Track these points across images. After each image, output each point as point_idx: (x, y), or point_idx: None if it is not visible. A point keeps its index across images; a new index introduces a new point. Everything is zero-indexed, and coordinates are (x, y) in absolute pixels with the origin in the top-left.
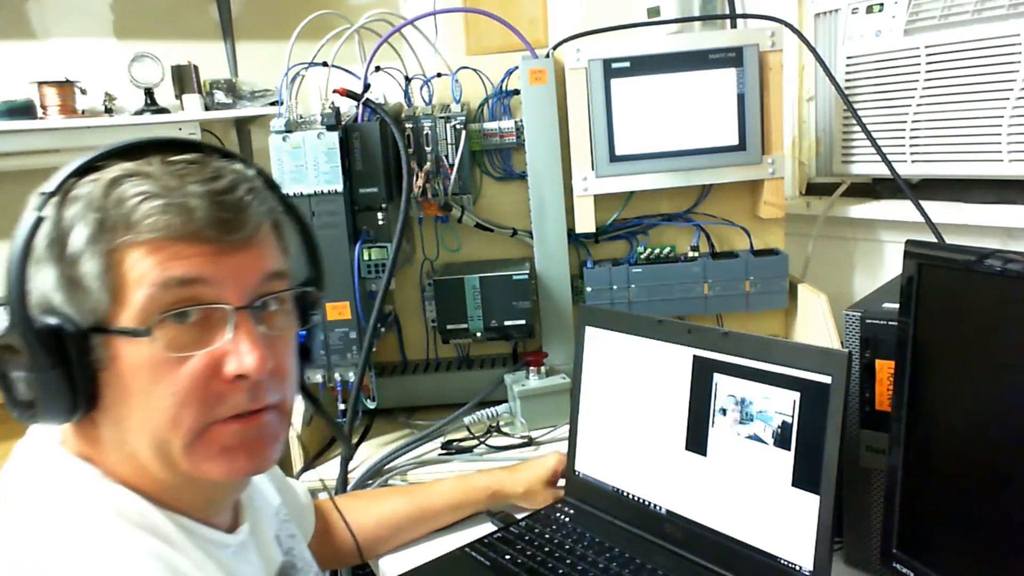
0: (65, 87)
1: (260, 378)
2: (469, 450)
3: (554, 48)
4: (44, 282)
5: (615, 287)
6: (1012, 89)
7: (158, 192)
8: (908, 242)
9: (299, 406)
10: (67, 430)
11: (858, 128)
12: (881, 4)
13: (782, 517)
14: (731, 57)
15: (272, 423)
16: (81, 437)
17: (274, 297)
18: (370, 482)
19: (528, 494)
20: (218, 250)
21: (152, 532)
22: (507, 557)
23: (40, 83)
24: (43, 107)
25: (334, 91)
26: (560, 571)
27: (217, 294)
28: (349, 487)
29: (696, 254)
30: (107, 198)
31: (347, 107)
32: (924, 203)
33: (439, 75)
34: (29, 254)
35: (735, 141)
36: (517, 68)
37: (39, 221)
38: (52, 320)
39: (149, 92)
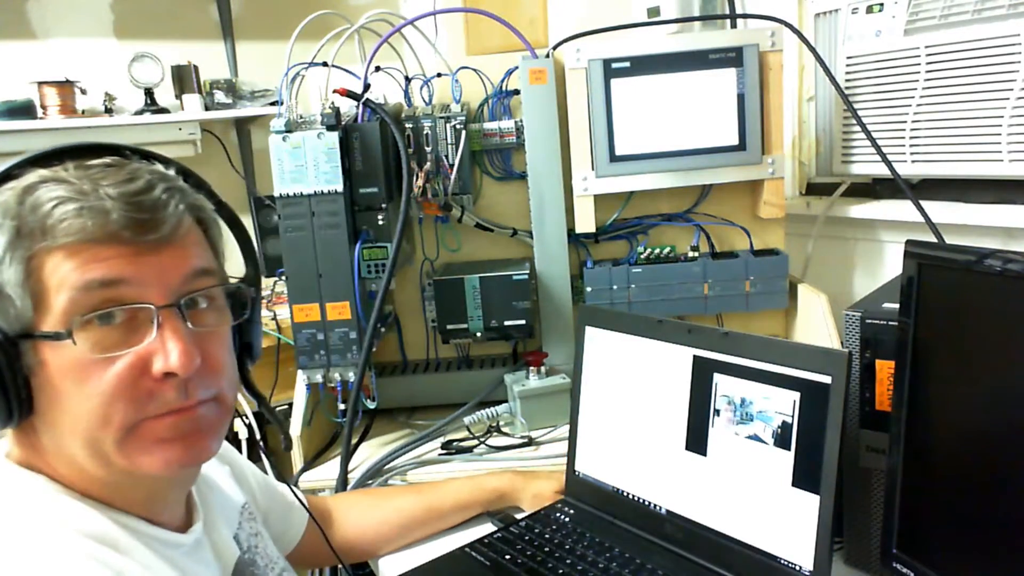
0: (65, 87)
1: (188, 375)
2: (469, 450)
3: (554, 48)
4: None
5: (615, 287)
6: (1012, 89)
7: (72, 196)
8: (908, 242)
9: (299, 406)
10: (10, 440)
11: (858, 128)
12: (881, 4)
13: (782, 517)
14: (731, 57)
15: (208, 415)
16: (23, 445)
17: (202, 294)
18: (370, 482)
19: (537, 499)
20: (136, 251)
21: (97, 538)
22: (507, 557)
23: (40, 83)
24: (43, 107)
25: (334, 91)
26: (560, 571)
27: (139, 294)
28: (349, 487)
29: (696, 254)
30: (22, 205)
31: (347, 107)
32: (924, 203)
33: (439, 75)
34: None
35: (735, 141)
36: (517, 68)
37: None
38: None
39: (149, 92)
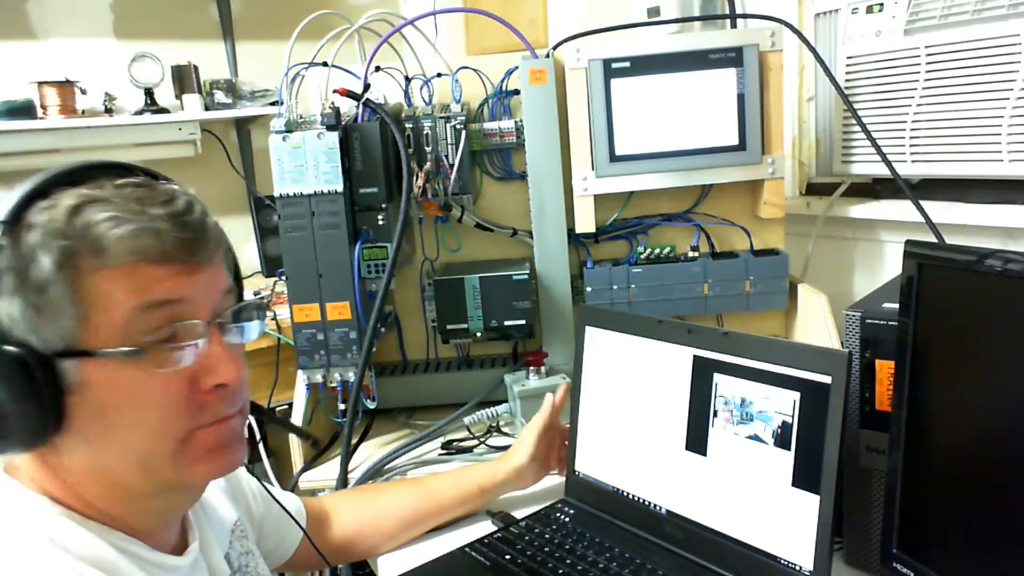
0: (65, 87)
1: (238, 386)
2: (469, 450)
3: (554, 48)
4: (3, 310)
5: (615, 287)
6: (1012, 89)
7: (125, 217)
8: (908, 242)
9: (299, 407)
10: (12, 458)
11: (858, 128)
12: (881, 4)
13: (782, 517)
14: (731, 57)
15: (239, 425)
16: (30, 463)
17: (231, 310)
18: (370, 482)
19: (520, 472)
20: (187, 270)
21: (94, 563)
22: (507, 557)
23: (40, 83)
24: (43, 107)
25: (334, 91)
26: (560, 571)
27: (191, 311)
28: (349, 487)
29: (696, 254)
30: (72, 225)
31: (347, 107)
32: (924, 203)
33: (439, 75)
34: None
35: (735, 141)
36: (517, 68)
37: (5, 250)
38: (17, 348)
39: (149, 92)
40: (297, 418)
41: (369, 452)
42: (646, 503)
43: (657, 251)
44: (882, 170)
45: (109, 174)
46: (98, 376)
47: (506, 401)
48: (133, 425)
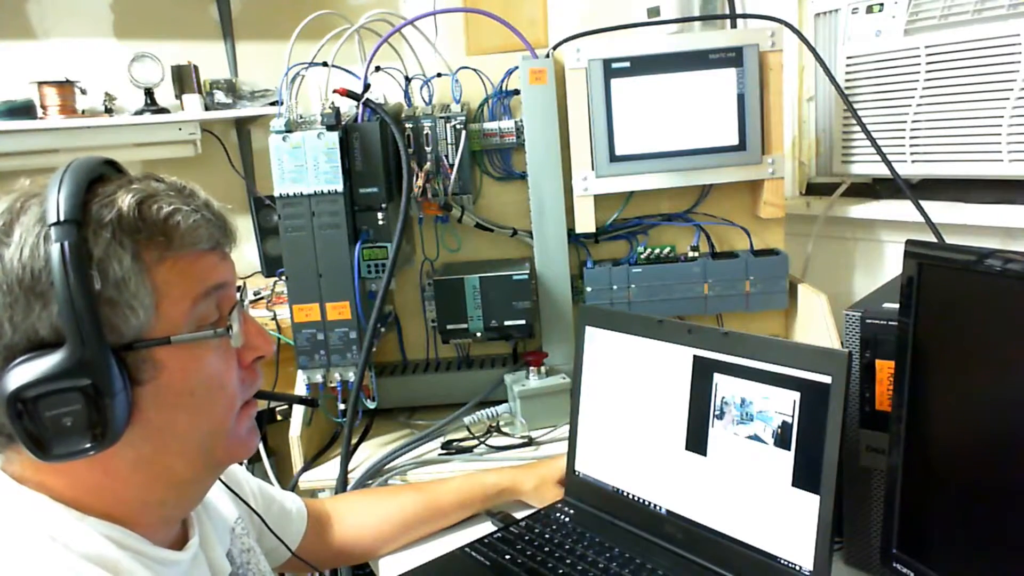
0: (65, 87)
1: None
2: (469, 450)
3: (554, 48)
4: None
5: (615, 287)
6: (1012, 89)
7: (185, 209)
8: (908, 242)
9: (299, 408)
10: (8, 457)
11: (858, 128)
12: (881, 4)
13: (782, 517)
14: (731, 57)
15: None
16: (35, 461)
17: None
18: (370, 482)
19: (538, 490)
20: (224, 255)
21: (96, 561)
22: (507, 557)
23: (40, 83)
24: (43, 107)
25: (334, 91)
26: (560, 571)
27: (231, 295)
28: (349, 487)
29: (696, 254)
30: (143, 220)
31: (347, 107)
32: (924, 203)
33: (439, 75)
34: (91, 284)
35: (735, 141)
36: (517, 68)
37: (81, 249)
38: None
39: (149, 92)
40: (297, 418)
41: (369, 452)
42: (646, 503)
43: (657, 251)
44: (882, 170)
45: (112, 171)
46: (172, 362)
47: (506, 401)
48: (204, 407)
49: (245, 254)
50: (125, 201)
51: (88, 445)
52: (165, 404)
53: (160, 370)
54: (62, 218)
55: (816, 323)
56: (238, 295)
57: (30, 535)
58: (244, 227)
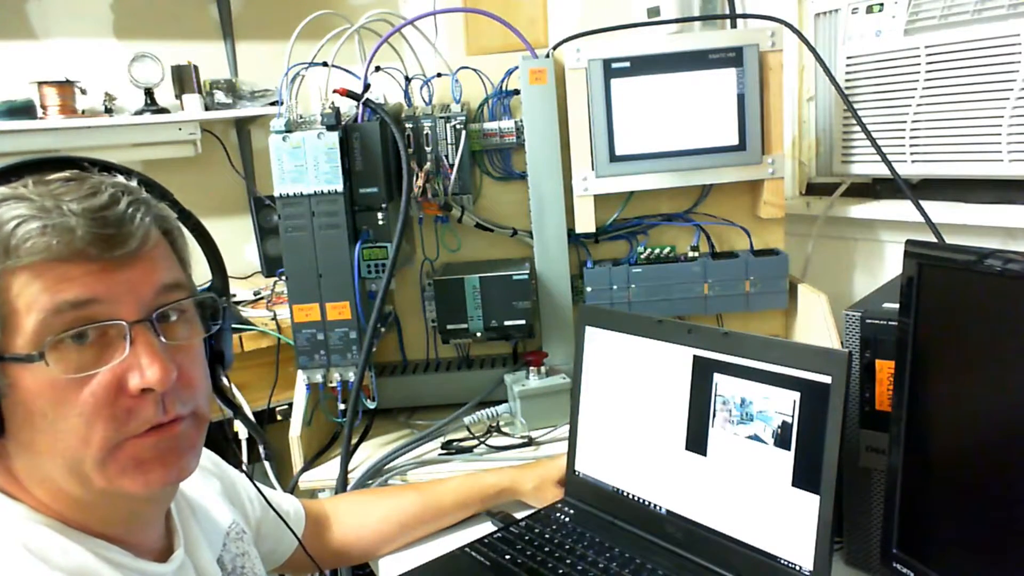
0: (65, 87)
1: (165, 389)
2: (469, 450)
3: (554, 48)
4: None
5: (615, 287)
6: (1012, 89)
7: (35, 214)
8: (908, 242)
9: (299, 407)
10: None
11: (858, 128)
12: (881, 4)
13: (782, 517)
14: (731, 57)
15: (187, 432)
16: (7, 473)
17: (173, 308)
18: (370, 482)
19: (538, 490)
20: (104, 267)
21: (76, 574)
22: (507, 557)
23: (40, 83)
24: (43, 107)
25: (334, 91)
26: (560, 571)
27: (111, 311)
28: (349, 487)
29: (696, 254)
30: None
31: (347, 107)
32: (924, 203)
33: (439, 75)
34: None
35: (735, 141)
36: (517, 68)
37: None
38: None
39: (149, 92)
40: (297, 418)
41: (369, 452)
42: (646, 503)
43: (657, 251)
44: (882, 170)
45: (47, 171)
46: (20, 381)
47: (506, 401)
48: (57, 431)
49: (245, 254)
50: None
51: None
52: (25, 421)
53: (11, 387)
54: None
55: (816, 323)
56: (147, 313)
57: (5, 547)
58: (244, 227)
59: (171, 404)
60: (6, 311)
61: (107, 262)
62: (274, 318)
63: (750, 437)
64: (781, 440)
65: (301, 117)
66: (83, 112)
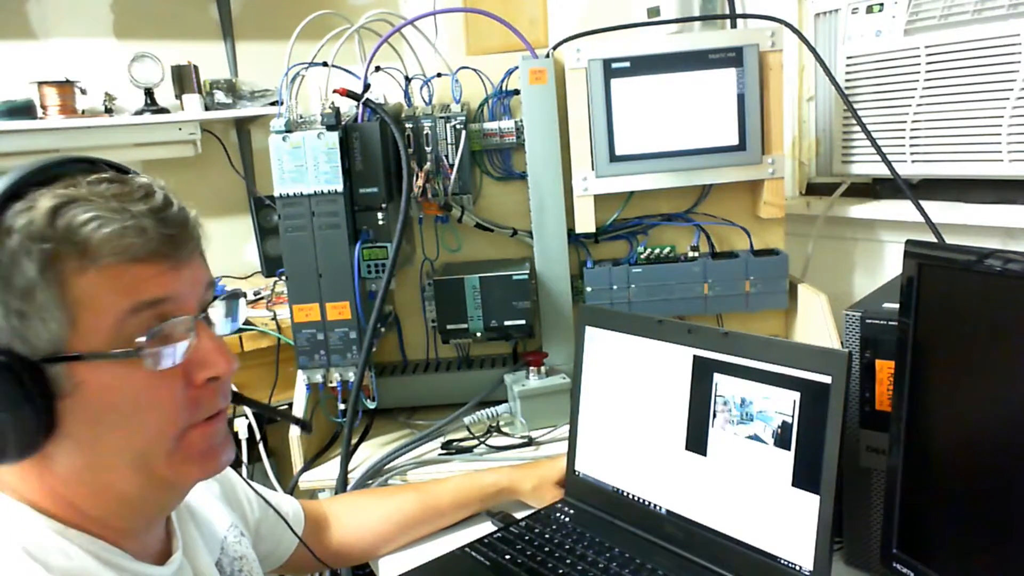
0: (65, 87)
1: (228, 378)
2: (469, 450)
3: (554, 48)
4: None
5: (615, 287)
6: (1012, 89)
7: (110, 216)
8: (908, 242)
9: (299, 406)
10: None
11: (858, 128)
12: (881, 4)
13: (782, 517)
14: (731, 57)
15: (225, 424)
16: (18, 472)
17: (212, 304)
18: (370, 482)
19: (537, 491)
20: (173, 266)
21: None
22: (507, 557)
23: (40, 83)
24: (43, 107)
25: (334, 91)
26: (560, 571)
27: (180, 308)
28: (349, 487)
29: (696, 254)
30: (54, 227)
31: (347, 107)
32: (924, 203)
33: (439, 75)
34: None
35: (735, 141)
36: (517, 68)
37: None
38: (2, 356)
39: (149, 92)
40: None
41: (369, 452)
42: (646, 503)
43: (657, 251)
44: (882, 170)
45: (78, 170)
46: (92, 379)
47: (506, 401)
48: (130, 426)
49: (245, 254)
50: (41, 207)
51: None
52: (89, 420)
53: (79, 386)
54: None
55: (816, 323)
56: (202, 308)
57: (5, 551)
58: (244, 227)
59: (227, 392)
60: (77, 311)
61: (175, 261)
62: (274, 318)
63: (750, 437)
64: (781, 440)
65: (301, 117)
66: (83, 112)
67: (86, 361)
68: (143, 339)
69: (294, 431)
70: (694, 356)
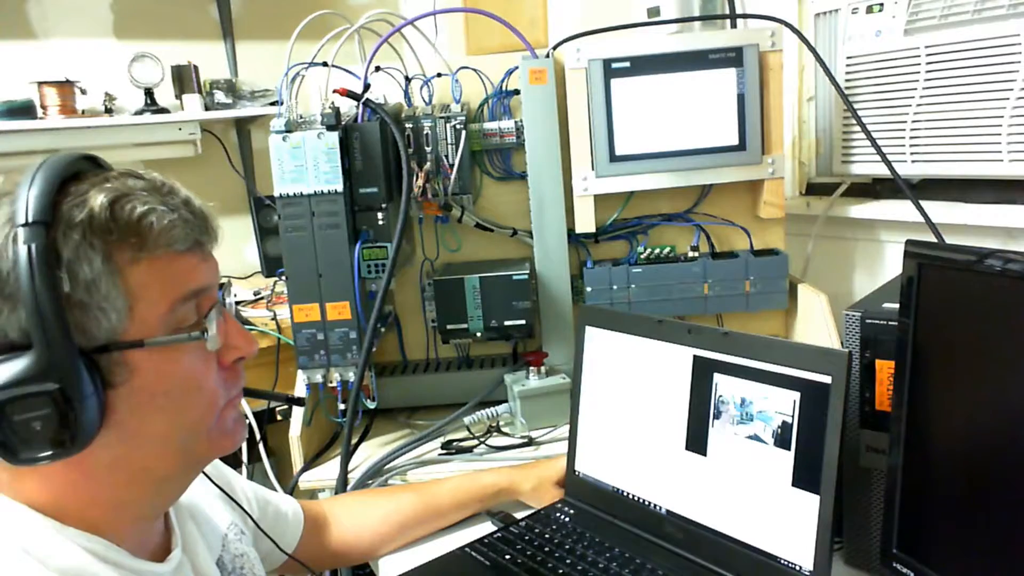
0: (65, 87)
1: (250, 358)
2: (469, 450)
3: (554, 48)
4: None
5: (615, 287)
6: (1012, 89)
7: (163, 209)
8: (908, 242)
9: (299, 408)
10: None
11: (858, 128)
12: (881, 4)
13: (782, 517)
14: (731, 57)
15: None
16: (17, 470)
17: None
18: (370, 482)
19: (536, 491)
20: (205, 257)
21: (73, 574)
22: (507, 557)
23: (40, 83)
24: (43, 107)
25: (334, 91)
26: (560, 571)
27: (212, 296)
28: (349, 487)
29: (696, 254)
30: (115, 220)
31: (347, 107)
32: (924, 203)
33: (439, 75)
34: (59, 286)
35: (735, 141)
36: (517, 68)
37: (49, 251)
38: (68, 350)
39: (149, 92)
40: (297, 418)
41: (369, 452)
42: (646, 503)
43: (657, 251)
44: (882, 170)
45: (88, 168)
46: (147, 366)
47: (506, 401)
48: (181, 408)
49: (245, 254)
50: (97, 201)
51: (58, 450)
52: (139, 406)
53: (133, 373)
54: (30, 219)
55: (816, 323)
56: (221, 294)
57: (4, 550)
58: (244, 227)
59: (243, 374)
60: (134, 302)
61: (206, 252)
62: (274, 318)
63: (750, 437)
64: (781, 440)
65: (301, 117)
66: (83, 112)
67: (144, 348)
68: (191, 323)
69: (294, 431)
70: (694, 356)
